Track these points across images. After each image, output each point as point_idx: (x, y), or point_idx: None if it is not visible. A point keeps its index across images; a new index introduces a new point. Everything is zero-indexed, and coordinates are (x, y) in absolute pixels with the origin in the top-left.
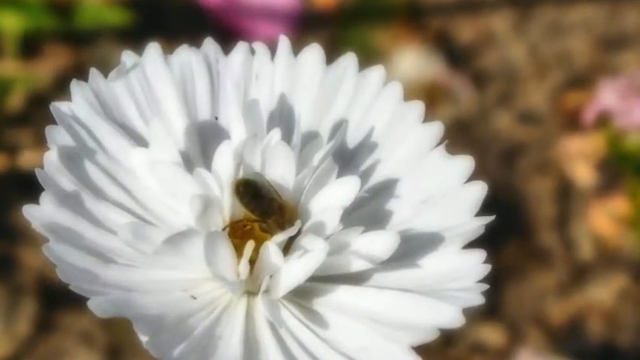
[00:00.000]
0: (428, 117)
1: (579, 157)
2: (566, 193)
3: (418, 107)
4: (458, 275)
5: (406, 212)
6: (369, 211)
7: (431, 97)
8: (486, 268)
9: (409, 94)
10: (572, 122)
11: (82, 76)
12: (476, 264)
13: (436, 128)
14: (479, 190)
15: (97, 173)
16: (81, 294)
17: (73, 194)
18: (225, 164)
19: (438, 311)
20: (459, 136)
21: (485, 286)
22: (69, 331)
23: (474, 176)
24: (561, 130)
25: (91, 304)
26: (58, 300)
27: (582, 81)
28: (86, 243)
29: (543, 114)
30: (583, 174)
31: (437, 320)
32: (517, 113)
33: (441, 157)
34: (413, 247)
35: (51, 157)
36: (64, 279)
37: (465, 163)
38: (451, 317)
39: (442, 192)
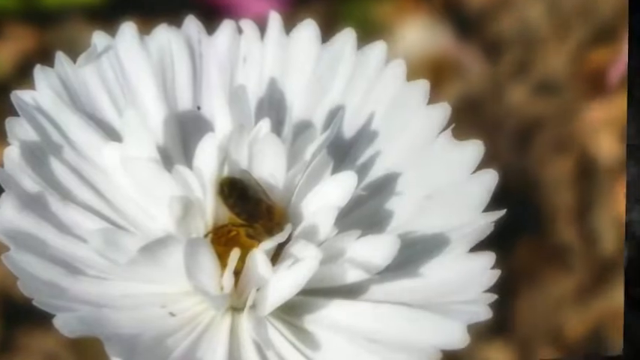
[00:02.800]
0: (434, 97)
1: (604, 128)
2: (588, 174)
3: (422, 87)
4: (463, 285)
5: (408, 211)
6: (367, 211)
7: (438, 73)
8: (495, 274)
9: (414, 72)
10: (596, 87)
11: (47, 60)
12: (483, 270)
13: (442, 111)
14: (488, 180)
15: (64, 172)
16: (46, 310)
17: (37, 196)
18: (208, 160)
19: (440, 329)
20: (469, 116)
21: (494, 297)
22: (31, 352)
23: (484, 162)
24: (584, 98)
25: (57, 322)
26: (19, 317)
27: (607, 36)
28: (52, 252)
29: (564, 81)
30: (608, 147)
31: (439, 340)
32: (534, 84)
33: (447, 145)
34: (414, 253)
35: (12, 154)
36: (26, 293)
37: (473, 150)
38: (455, 336)
39: (448, 185)
